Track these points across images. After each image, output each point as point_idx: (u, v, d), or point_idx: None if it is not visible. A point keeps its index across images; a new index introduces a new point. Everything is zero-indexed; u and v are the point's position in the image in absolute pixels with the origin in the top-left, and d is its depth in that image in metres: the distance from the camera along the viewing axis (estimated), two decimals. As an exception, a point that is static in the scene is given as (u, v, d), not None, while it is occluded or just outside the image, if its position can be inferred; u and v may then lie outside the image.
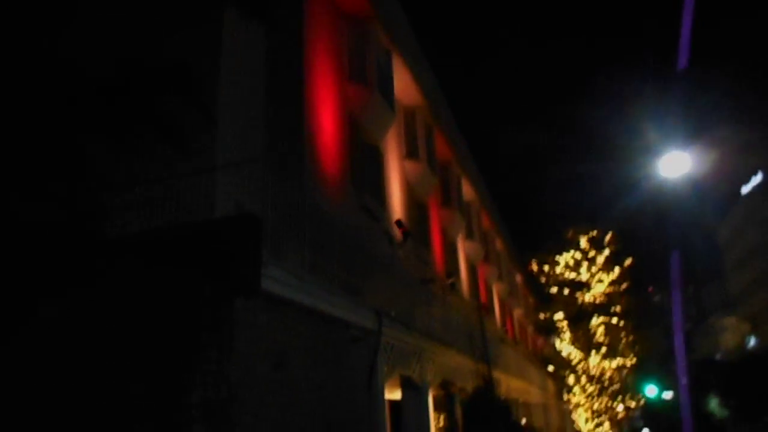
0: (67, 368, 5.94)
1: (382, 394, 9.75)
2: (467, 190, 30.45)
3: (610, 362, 24.55)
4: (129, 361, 5.76)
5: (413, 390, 11.85)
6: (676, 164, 10.90)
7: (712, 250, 69.77)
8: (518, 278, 46.26)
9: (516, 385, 26.24)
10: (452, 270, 25.46)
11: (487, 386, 13.80)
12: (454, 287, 18.75)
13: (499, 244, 40.24)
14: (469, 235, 30.66)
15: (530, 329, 45.38)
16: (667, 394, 40.32)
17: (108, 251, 6.13)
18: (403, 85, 21.19)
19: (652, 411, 35.14)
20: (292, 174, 13.14)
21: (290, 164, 13.26)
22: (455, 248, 27.77)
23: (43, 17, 5.98)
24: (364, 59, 17.04)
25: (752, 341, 58.83)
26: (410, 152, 21.68)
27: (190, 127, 9.47)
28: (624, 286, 25.28)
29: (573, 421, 28.55)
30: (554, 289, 25.94)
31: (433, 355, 12.88)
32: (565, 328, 25.21)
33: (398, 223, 13.36)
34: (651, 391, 27.78)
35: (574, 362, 25.10)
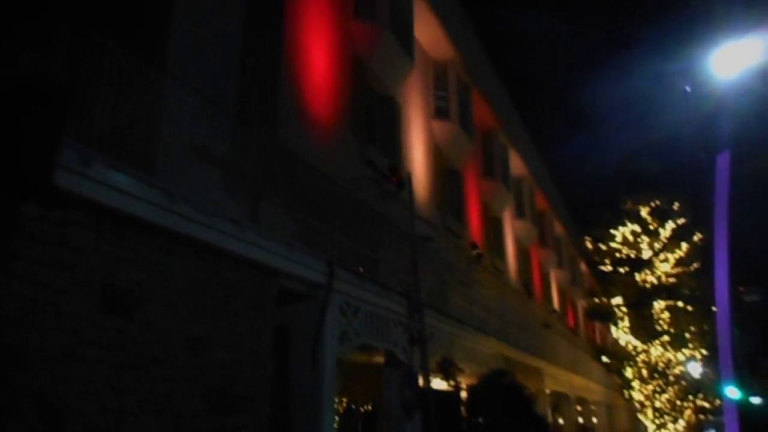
0: None
1: (332, 368, 7.56)
2: (517, 164, 27.53)
3: (676, 353, 21.02)
4: None
5: (396, 367, 9.55)
6: (733, 58, 8.12)
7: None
8: (583, 267, 42.62)
9: (567, 378, 23.24)
10: (494, 246, 22.83)
11: (501, 372, 11.28)
12: (480, 260, 16.24)
13: (558, 228, 36.96)
14: (519, 214, 27.78)
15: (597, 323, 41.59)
16: (754, 400, 35.60)
17: None
18: (432, 35, 18.85)
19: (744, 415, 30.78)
20: (264, 113, 11.26)
21: (264, 102, 11.34)
22: (500, 226, 25.03)
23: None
24: (372, -6, 14.83)
25: None
26: (439, 111, 19.25)
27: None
28: (695, 266, 21.61)
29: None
30: (608, 268, 22.57)
31: (426, 327, 10.50)
32: (624, 314, 21.86)
33: (391, 169, 11.04)
34: (732, 392, 23.91)
35: (633, 353, 21.75)
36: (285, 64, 11.95)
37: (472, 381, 12.24)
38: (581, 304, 40.41)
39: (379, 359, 10.81)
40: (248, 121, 10.11)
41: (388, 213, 11.71)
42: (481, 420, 10.17)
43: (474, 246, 16.86)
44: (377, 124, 15.22)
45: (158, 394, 5.10)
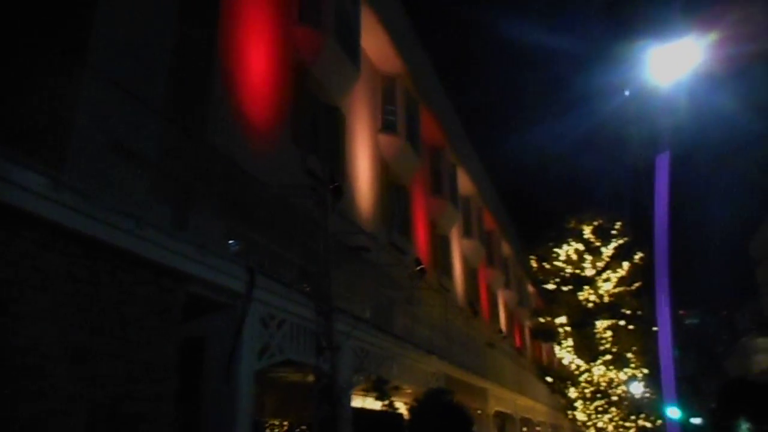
0: None
1: (249, 386, 6.88)
2: (465, 183, 27.47)
3: (617, 373, 21.05)
4: None
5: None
6: (671, 62, 8.05)
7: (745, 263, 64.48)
8: (531, 288, 42.87)
9: (512, 399, 22.94)
10: (441, 264, 22.50)
11: (439, 391, 10.76)
12: (423, 275, 15.82)
13: (506, 249, 37.10)
14: (467, 233, 27.65)
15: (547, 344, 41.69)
16: (695, 420, 36.22)
17: None
18: (380, 48, 18.59)
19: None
20: (196, 114, 10.63)
21: (196, 102, 10.71)
22: (447, 244, 24.76)
23: None
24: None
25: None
26: (386, 125, 18.92)
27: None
28: (636, 285, 21.84)
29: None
30: (551, 286, 22.58)
31: (360, 343, 9.94)
32: (567, 333, 21.82)
33: (334, 184, 10.43)
34: (673, 412, 24.10)
35: (576, 372, 21.68)
36: (220, 64, 11.37)
37: (413, 401, 11.70)
38: (528, 324, 40.51)
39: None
40: (177, 121, 9.49)
41: (326, 225, 11.17)
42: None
43: (417, 262, 16.45)
44: (320, 134, 14.70)
45: (28, 411, 4.36)
